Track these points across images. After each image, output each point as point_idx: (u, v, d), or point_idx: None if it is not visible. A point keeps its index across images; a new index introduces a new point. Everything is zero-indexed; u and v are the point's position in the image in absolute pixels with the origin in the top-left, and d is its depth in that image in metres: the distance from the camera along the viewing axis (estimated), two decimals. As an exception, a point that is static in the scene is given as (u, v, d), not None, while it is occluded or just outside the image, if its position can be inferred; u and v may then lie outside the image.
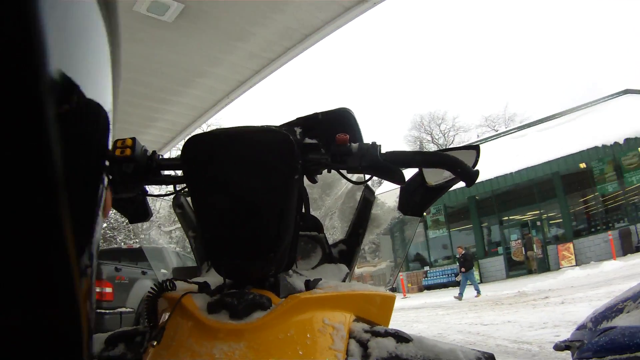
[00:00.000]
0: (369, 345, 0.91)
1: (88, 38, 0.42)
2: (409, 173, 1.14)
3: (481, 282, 22.86)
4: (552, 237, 23.27)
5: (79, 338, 0.42)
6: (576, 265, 19.88)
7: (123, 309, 8.54)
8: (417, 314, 14.67)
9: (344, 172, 1.09)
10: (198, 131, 1.16)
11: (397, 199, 1.27)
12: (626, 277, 11.94)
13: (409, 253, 23.57)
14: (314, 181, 1.08)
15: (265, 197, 0.92)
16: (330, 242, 1.38)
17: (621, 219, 21.29)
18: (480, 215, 25.60)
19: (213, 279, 1.02)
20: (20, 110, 0.33)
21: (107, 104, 0.46)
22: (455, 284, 19.50)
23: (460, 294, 17.51)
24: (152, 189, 1.26)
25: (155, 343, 0.84)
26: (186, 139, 0.97)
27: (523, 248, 23.49)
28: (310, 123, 1.10)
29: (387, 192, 1.54)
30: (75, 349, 0.42)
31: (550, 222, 23.77)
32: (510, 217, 25.07)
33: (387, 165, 1.01)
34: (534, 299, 12.81)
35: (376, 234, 1.49)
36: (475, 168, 1.09)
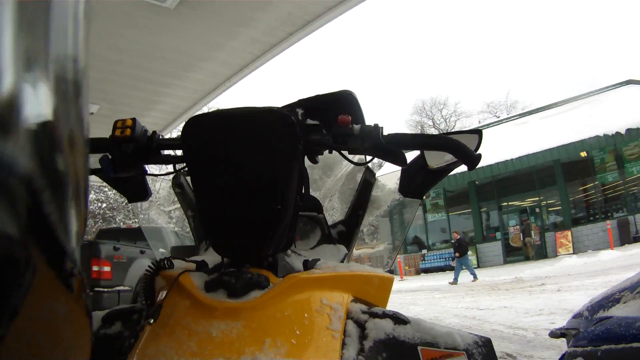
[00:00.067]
0: (367, 326, 0.91)
1: None
2: (410, 156, 1.13)
3: (478, 267, 22.98)
4: (551, 224, 23.34)
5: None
6: (573, 253, 19.96)
7: (121, 288, 8.64)
8: (413, 296, 14.75)
9: (345, 153, 1.08)
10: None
11: (398, 181, 1.26)
12: (623, 267, 11.99)
13: (407, 236, 23.63)
14: (315, 162, 1.08)
15: (265, 177, 0.92)
16: (330, 223, 1.37)
17: (620, 209, 21.33)
18: (480, 200, 25.64)
19: (211, 257, 1.02)
20: None
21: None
22: (453, 268, 19.58)
23: (455, 279, 17.60)
24: (151, 168, 1.26)
25: (152, 321, 0.83)
26: (187, 119, 0.97)
27: (521, 234, 23.57)
28: (312, 104, 1.09)
29: (387, 174, 1.53)
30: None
31: (549, 209, 23.83)
32: (510, 203, 25.12)
33: (389, 147, 1.01)
34: (531, 285, 12.87)
35: (375, 215, 1.48)
36: (478, 152, 1.08)
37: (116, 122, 1.09)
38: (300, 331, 0.83)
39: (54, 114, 0.37)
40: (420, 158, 1.20)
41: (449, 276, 18.33)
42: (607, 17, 70.80)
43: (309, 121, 1.03)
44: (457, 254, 18.58)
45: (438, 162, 1.19)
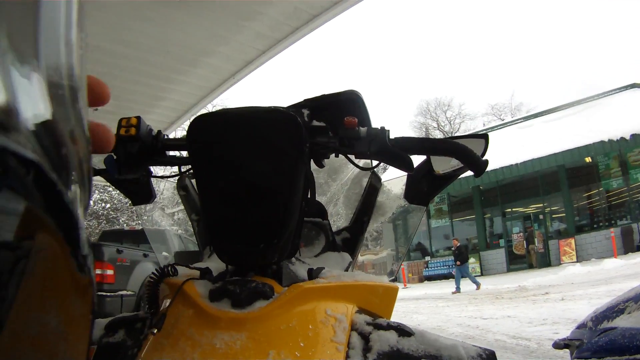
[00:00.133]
0: (371, 338, 0.89)
1: None
2: (415, 160, 1.12)
3: (482, 274, 22.95)
4: (554, 232, 23.26)
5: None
6: (577, 261, 19.90)
7: (124, 292, 8.57)
8: (417, 305, 14.72)
9: (351, 157, 1.07)
10: (203, 111, 1.15)
11: (404, 187, 1.25)
12: (627, 276, 11.96)
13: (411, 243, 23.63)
14: (321, 165, 1.07)
15: (271, 181, 0.90)
16: (334, 229, 1.36)
17: (624, 217, 21.27)
18: (483, 206, 25.61)
19: (215, 264, 1.01)
20: None
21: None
22: (456, 276, 19.55)
23: (457, 287, 17.50)
24: (156, 170, 1.25)
25: (155, 331, 0.83)
26: (192, 118, 0.95)
27: (525, 242, 23.51)
28: (318, 105, 1.08)
29: (393, 180, 1.51)
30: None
31: (553, 216, 23.78)
32: (513, 209, 25.08)
33: (396, 151, 1.00)
34: (534, 294, 12.83)
35: (380, 222, 1.47)
36: (484, 157, 1.07)
37: (121, 120, 1.09)
38: (305, 343, 0.82)
39: (51, 114, 0.37)
40: (426, 163, 1.19)
41: (453, 284, 18.27)
42: (612, 20, 70.81)
43: (315, 122, 1.02)
44: (457, 263, 18.48)
45: (444, 167, 1.17)
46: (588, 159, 21.85)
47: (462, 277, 18.03)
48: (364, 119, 1.09)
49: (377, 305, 1.06)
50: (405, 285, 23.33)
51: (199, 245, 1.37)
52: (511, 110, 46.48)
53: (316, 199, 1.26)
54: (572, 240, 21.31)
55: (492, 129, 29.73)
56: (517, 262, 23.59)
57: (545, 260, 22.02)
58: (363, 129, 1.00)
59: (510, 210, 25.11)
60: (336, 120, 1.02)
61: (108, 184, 1.38)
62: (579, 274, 15.68)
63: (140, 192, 1.28)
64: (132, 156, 1.07)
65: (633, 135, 20.17)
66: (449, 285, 19.14)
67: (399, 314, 10.98)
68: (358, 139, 1.00)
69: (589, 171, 22.37)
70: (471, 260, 24.10)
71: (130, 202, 1.34)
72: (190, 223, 1.43)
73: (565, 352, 2.53)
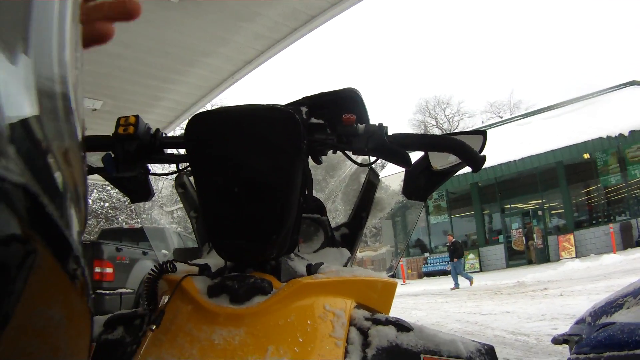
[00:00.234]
0: (370, 334, 0.90)
1: None
2: (413, 156, 1.12)
3: (481, 270, 23.01)
4: (553, 228, 23.31)
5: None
6: (576, 257, 19.91)
7: (123, 290, 8.59)
8: (416, 300, 14.74)
9: (349, 153, 1.07)
10: (202, 110, 1.15)
11: (402, 183, 1.25)
12: (626, 272, 11.96)
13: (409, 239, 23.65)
14: (318, 162, 1.07)
15: (269, 177, 0.91)
16: (333, 225, 1.36)
17: (623, 212, 21.31)
18: (482, 202, 25.65)
19: (214, 260, 1.01)
20: None
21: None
22: (456, 271, 19.56)
23: (456, 284, 17.53)
24: (154, 167, 1.25)
25: (154, 327, 0.83)
26: (190, 117, 0.96)
27: (524, 237, 23.54)
28: (317, 102, 1.08)
29: (391, 175, 1.52)
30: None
31: (552, 212, 23.81)
32: (512, 206, 25.11)
33: (394, 147, 1.00)
34: (533, 290, 12.85)
35: (379, 218, 1.47)
36: (482, 153, 1.07)
37: (119, 119, 1.09)
38: (303, 338, 0.82)
39: (37, 117, 0.37)
40: (424, 159, 1.19)
41: (452, 280, 18.29)
42: (611, 18, 70.80)
43: (313, 120, 1.02)
44: (454, 259, 18.47)
45: (442, 163, 1.17)
46: (586, 156, 21.88)
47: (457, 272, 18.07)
48: (363, 116, 1.09)
49: (375, 300, 1.06)
50: (404, 282, 23.34)
51: (198, 242, 1.37)
52: (510, 107, 46.47)
53: (315, 195, 1.26)
54: (571, 236, 21.35)
55: (491, 126, 29.70)
56: (516, 258, 23.63)
57: (544, 256, 22.07)
58: (361, 126, 1.01)
59: (509, 206, 25.14)
60: (335, 117, 1.02)
61: (106, 182, 1.39)
62: (578, 270, 15.70)
63: (139, 190, 1.28)
64: (130, 154, 1.07)
65: (631, 132, 20.17)
66: (447, 281, 19.15)
67: (398, 310, 10.99)
68: (356, 136, 1.00)
69: (587, 167, 22.40)
70: (470, 256, 24.19)
71: (128, 200, 1.34)
72: (189, 220, 1.44)
73: (564, 348, 2.53)
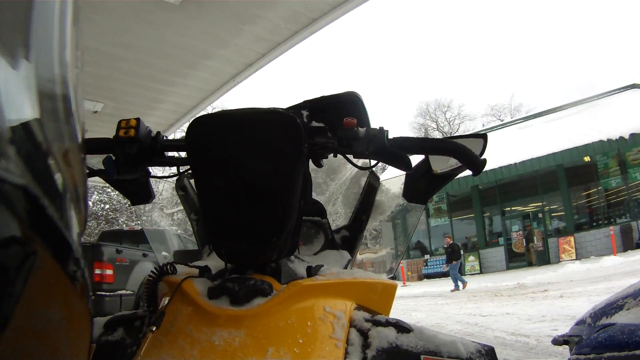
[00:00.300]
0: (370, 335, 0.90)
1: None
2: (414, 160, 1.12)
3: (481, 272, 23.00)
4: (554, 230, 23.27)
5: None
6: (576, 259, 19.90)
7: (123, 292, 8.58)
8: (416, 302, 14.72)
9: (350, 157, 1.08)
10: (203, 113, 1.15)
11: (402, 186, 1.25)
12: (626, 274, 11.96)
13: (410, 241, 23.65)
14: (319, 165, 1.07)
15: (269, 180, 0.91)
16: (333, 227, 1.36)
17: (623, 215, 21.28)
18: (483, 205, 25.62)
19: (214, 263, 1.01)
20: None
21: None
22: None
23: (456, 285, 17.53)
24: (155, 170, 1.26)
25: (154, 328, 0.83)
26: (191, 120, 0.96)
27: (524, 240, 23.52)
28: (318, 106, 1.08)
29: (391, 179, 1.52)
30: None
31: (552, 214, 23.77)
32: (513, 208, 25.08)
33: (394, 151, 1.00)
34: (533, 291, 12.84)
35: (379, 220, 1.47)
36: (482, 157, 1.08)
37: (120, 122, 1.09)
38: (303, 340, 0.83)
39: (38, 119, 0.37)
40: (425, 162, 1.19)
41: (452, 282, 18.29)
42: (612, 21, 70.79)
43: (314, 123, 1.03)
44: (453, 262, 18.47)
45: (442, 166, 1.17)
46: (587, 158, 21.87)
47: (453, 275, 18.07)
48: (363, 120, 1.09)
49: (375, 302, 1.06)
50: (404, 284, 23.32)
51: (198, 244, 1.37)
52: (511, 111, 46.51)
53: (315, 198, 1.26)
54: (572, 238, 21.33)
55: (492, 129, 29.67)
56: (516, 260, 23.60)
57: (545, 258, 22.04)
58: (362, 130, 1.01)
59: (509, 209, 25.12)
60: (335, 121, 1.02)
61: (107, 184, 1.39)
62: (578, 272, 15.69)
63: (139, 192, 1.28)
64: (131, 157, 1.07)
65: (632, 135, 20.16)
66: (448, 283, 19.13)
67: (398, 312, 10.97)
68: (356, 139, 1.00)
69: (588, 170, 22.39)
70: (470, 258, 24.19)
71: (129, 202, 1.34)
72: (189, 223, 1.44)
73: (565, 349, 2.54)
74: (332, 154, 1.07)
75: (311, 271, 0.99)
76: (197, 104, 8.11)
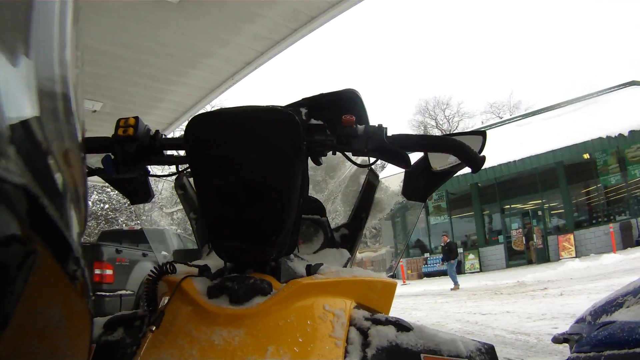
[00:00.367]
0: (369, 334, 0.90)
1: None
2: (413, 157, 1.12)
3: (481, 270, 23.00)
4: (553, 228, 23.28)
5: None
6: (576, 256, 19.90)
7: (123, 292, 8.57)
8: (416, 301, 14.73)
9: (349, 154, 1.07)
10: (202, 112, 1.15)
11: (401, 184, 1.25)
12: (626, 271, 11.96)
13: (409, 239, 23.62)
14: (318, 163, 1.07)
15: (268, 179, 0.91)
16: (332, 225, 1.36)
17: (623, 212, 21.29)
18: (482, 203, 25.61)
19: (214, 262, 1.01)
20: None
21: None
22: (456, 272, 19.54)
23: (455, 283, 17.55)
24: (154, 169, 1.25)
25: (154, 328, 0.83)
26: (190, 118, 0.96)
27: (524, 237, 23.52)
28: (316, 104, 1.08)
29: (390, 176, 1.52)
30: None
31: (552, 212, 23.77)
32: (512, 206, 25.08)
33: (393, 148, 1.00)
34: (533, 289, 12.85)
35: (379, 218, 1.47)
36: (482, 154, 1.07)
37: (119, 120, 1.09)
38: (303, 339, 0.82)
39: (38, 118, 0.37)
40: (424, 160, 1.19)
41: (451, 280, 18.32)
42: (611, 18, 70.78)
43: (313, 121, 1.02)
44: (451, 260, 18.51)
45: (441, 164, 1.17)
46: (586, 156, 21.87)
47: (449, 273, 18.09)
48: (362, 117, 1.09)
49: (375, 300, 1.06)
50: (404, 282, 23.31)
51: (198, 243, 1.37)
52: (510, 108, 46.47)
53: (314, 196, 1.25)
54: (571, 236, 21.33)
55: (491, 126, 29.65)
56: (516, 258, 23.59)
57: (544, 256, 22.05)
58: (361, 127, 1.01)
59: (509, 206, 25.11)
60: (334, 118, 1.02)
61: (106, 184, 1.39)
62: (578, 269, 15.70)
63: (138, 191, 1.28)
64: (130, 156, 1.07)
65: (631, 132, 20.16)
66: (447, 282, 19.13)
67: (398, 311, 10.99)
68: (355, 137, 1.00)
69: (587, 168, 22.39)
70: (470, 256, 24.19)
71: (128, 201, 1.34)
72: (188, 222, 1.44)
73: (565, 347, 2.54)
74: (331, 152, 1.07)
75: (310, 270, 0.99)
76: (196, 103, 8.09)
